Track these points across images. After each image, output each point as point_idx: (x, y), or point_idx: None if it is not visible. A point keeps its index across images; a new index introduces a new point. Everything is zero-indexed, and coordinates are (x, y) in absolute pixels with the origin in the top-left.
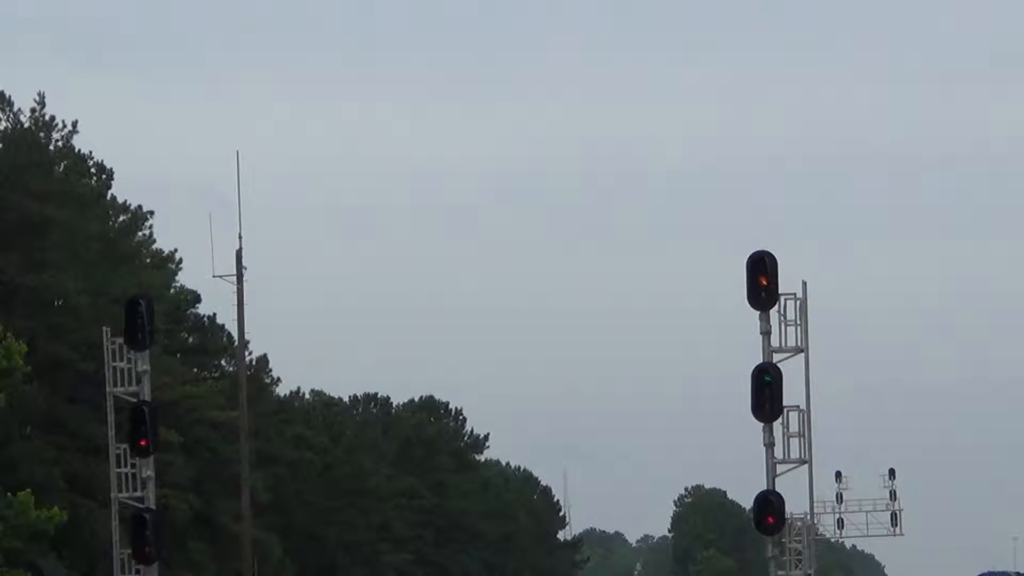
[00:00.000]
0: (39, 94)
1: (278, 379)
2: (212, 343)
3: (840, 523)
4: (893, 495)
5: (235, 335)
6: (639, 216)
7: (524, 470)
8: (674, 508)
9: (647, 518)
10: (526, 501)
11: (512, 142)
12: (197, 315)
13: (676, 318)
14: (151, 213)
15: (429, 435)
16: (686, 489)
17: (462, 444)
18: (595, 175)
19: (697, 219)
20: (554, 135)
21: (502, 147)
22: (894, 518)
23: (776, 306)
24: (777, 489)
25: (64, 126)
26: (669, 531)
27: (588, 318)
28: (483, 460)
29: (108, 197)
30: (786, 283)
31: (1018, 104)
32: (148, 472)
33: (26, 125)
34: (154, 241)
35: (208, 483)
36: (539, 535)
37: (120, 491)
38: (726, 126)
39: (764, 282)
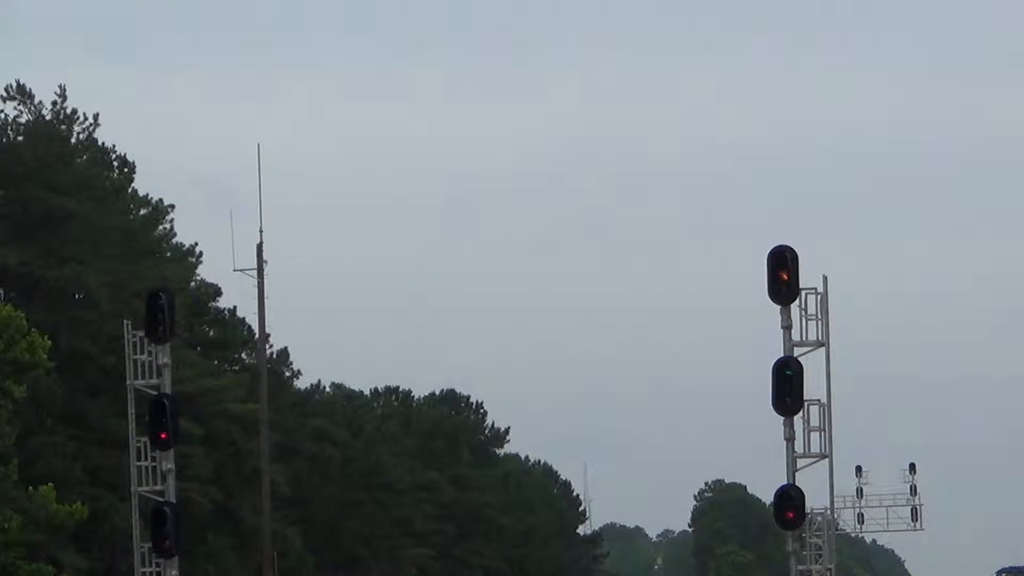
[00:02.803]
0: (60, 87)
1: (298, 372)
2: (233, 336)
3: (860, 518)
4: (913, 490)
5: (256, 328)
6: (661, 212)
7: (544, 464)
8: (694, 503)
9: (667, 513)
10: (546, 495)
11: (535, 137)
12: (218, 308)
13: (697, 313)
14: (172, 207)
15: (449, 429)
16: (706, 484)
17: (482, 438)
18: (617, 172)
19: (719, 215)
20: (578, 130)
21: (522, 141)
22: (914, 513)
23: (797, 300)
24: (797, 484)
25: (85, 119)
26: (689, 526)
27: (609, 313)
28: (503, 454)
29: (129, 191)
30: (807, 278)
31: None
32: (168, 465)
33: (48, 118)
34: (175, 235)
35: (228, 476)
36: (559, 529)
37: (140, 484)
38: (748, 121)
39: (785, 277)
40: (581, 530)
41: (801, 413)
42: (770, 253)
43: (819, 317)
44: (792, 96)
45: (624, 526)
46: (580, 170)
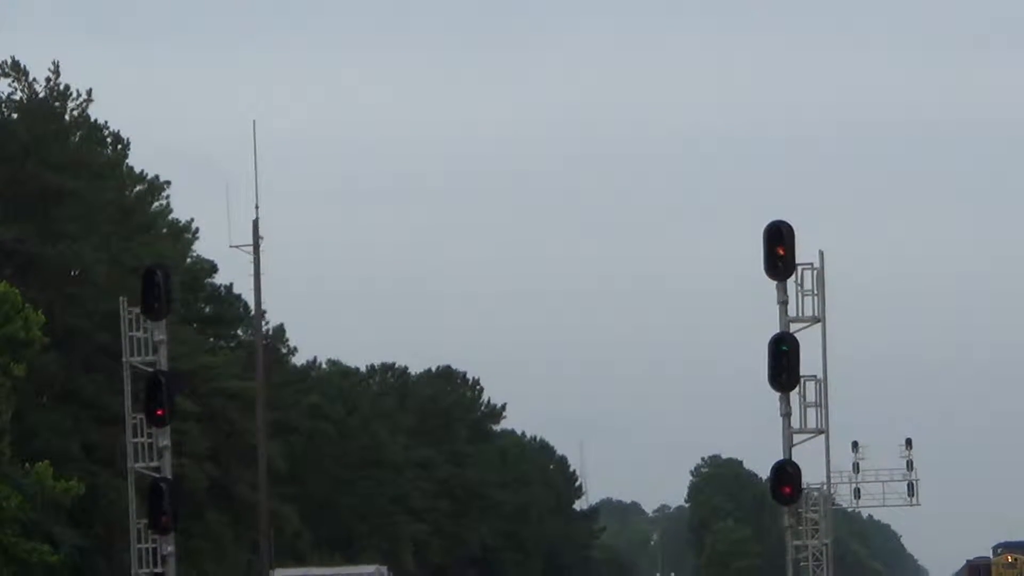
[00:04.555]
0: (54, 63)
1: (295, 349)
2: (229, 313)
3: (857, 493)
4: (910, 465)
5: (252, 305)
6: (658, 191)
7: (540, 440)
8: (691, 478)
9: (663, 488)
10: (542, 471)
11: (527, 116)
12: (214, 285)
13: (693, 289)
14: (168, 183)
15: (446, 405)
16: (703, 459)
17: (479, 414)
18: (612, 152)
19: (715, 192)
20: (571, 109)
21: (518, 121)
22: (911, 488)
23: (793, 276)
24: (794, 459)
25: (79, 96)
26: (686, 501)
27: (605, 289)
28: (499, 430)
29: (124, 167)
30: (803, 253)
31: None
32: (164, 442)
33: (41, 95)
34: (171, 211)
35: (224, 453)
36: (555, 505)
37: (136, 461)
38: (741, 96)
39: (781, 252)
40: (577, 506)
41: (797, 389)
42: (766, 228)
43: (815, 292)
44: (787, 71)
45: (620, 501)
46: (576, 150)
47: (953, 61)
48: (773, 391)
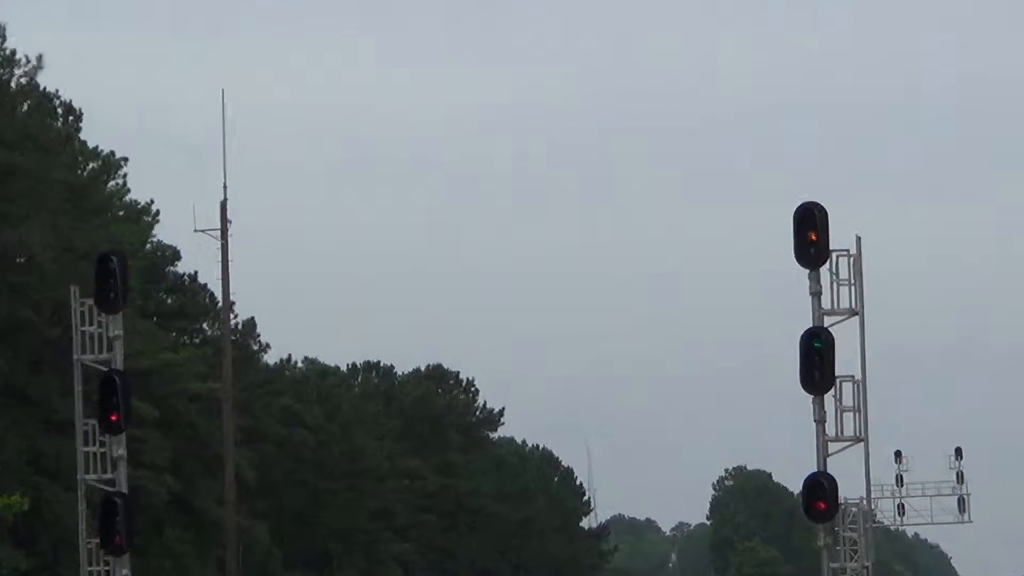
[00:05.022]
0: None
1: (267, 346)
2: (193, 305)
3: (901, 509)
4: (960, 477)
5: (219, 296)
6: (671, 170)
7: (543, 449)
8: (712, 492)
9: (682, 504)
10: (545, 484)
11: (524, 94)
12: (176, 274)
13: (714, 280)
14: (125, 160)
15: (436, 409)
16: (726, 471)
17: (473, 419)
18: (617, 126)
19: (736, 170)
20: (571, 85)
21: (515, 101)
22: (961, 503)
23: (827, 264)
24: (829, 471)
25: (27, 62)
26: (707, 518)
27: (615, 280)
28: (497, 437)
29: (77, 142)
30: (838, 238)
31: None
32: (120, 451)
33: None
34: (128, 191)
35: (187, 463)
36: (560, 522)
37: (88, 472)
38: (769, 66)
39: (813, 237)
40: (585, 523)
41: (832, 391)
42: (796, 211)
43: (852, 282)
44: (818, 36)
45: (634, 519)
46: (577, 127)
47: (993, 34)
48: (805, 394)
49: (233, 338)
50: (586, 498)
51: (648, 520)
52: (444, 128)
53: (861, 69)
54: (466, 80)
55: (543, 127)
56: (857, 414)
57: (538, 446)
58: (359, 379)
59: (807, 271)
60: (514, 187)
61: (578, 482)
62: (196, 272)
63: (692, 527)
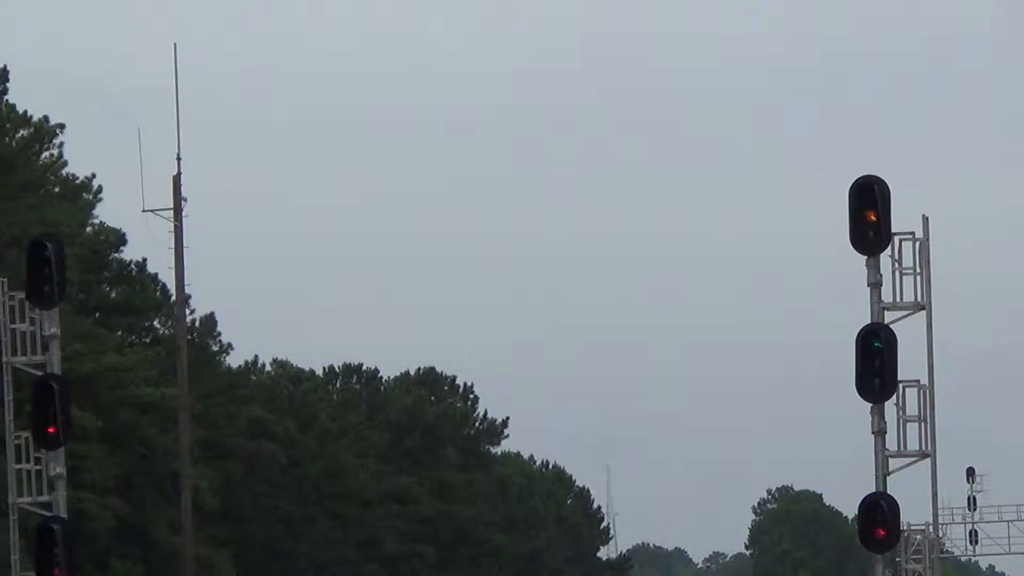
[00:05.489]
0: None
1: (229, 346)
2: (141, 299)
3: (973, 536)
4: None
5: (171, 288)
6: (704, 141)
7: (554, 466)
8: (753, 517)
9: (716, 531)
10: (557, 507)
11: (537, 49)
12: (121, 262)
13: (755, 269)
14: (61, 127)
15: (429, 420)
16: (769, 493)
17: (472, 432)
18: (640, 86)
19: (781, 141)
20: (596, 45)
21: (529, 53)
22: None
23: (888, 249)
24: (889, 491)
25: None
26: (746, 547)
27: (638, 269)
28: (500, 453)
29: (3, 105)
30: (902, 219)
31: None
32: (58, 468)
33: None
34: (65, 164)
35: (137, 483)
36: (574, 553)
37: (21, 494)
38: (821, 25)
39: (873, 218)
40: (604, 553)
41: (894, 398)
42: (853, 187)
43: (917, 271)
44: None
45: (660, 548)
46: (590, 89)
47: None
48: (862, 402)
49: (189, 337)
50: (604, 524)
51: (677, 550)
52: (438, 91)
53: (927, 32)
54: (462, 30)
55: (553, 88)
56: (923, 425)
57: (548, 463)
58: (338, 385)
59: (864, 258)
60: (514, 154)
61: (595, 505)
62: (145, 260)
63: (729, 558)
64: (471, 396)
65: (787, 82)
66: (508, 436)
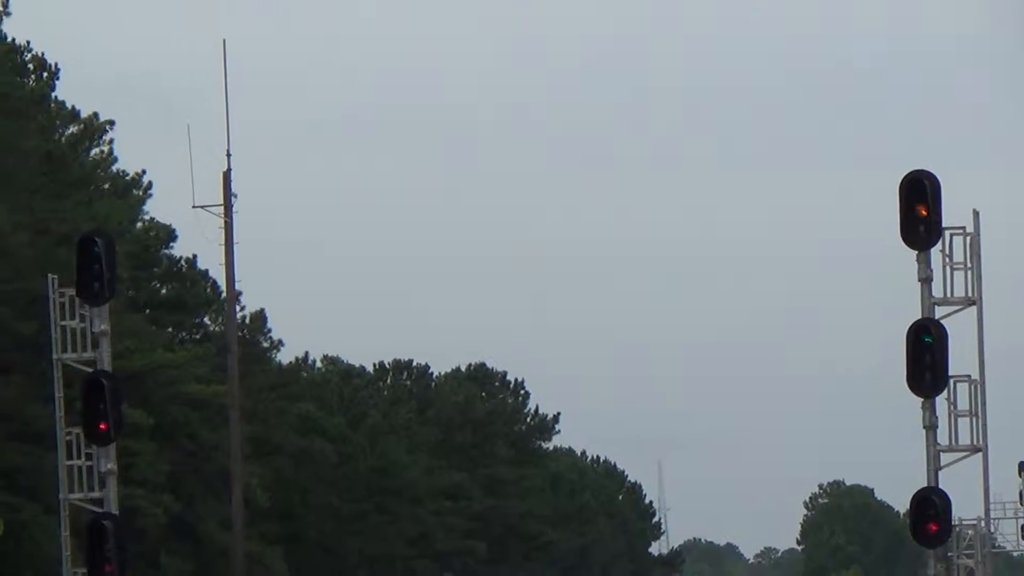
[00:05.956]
0: None
1: (279, 343)
2: (192, 295)
3: None
4: None
5: (222, 284)
6: (752, 137)
7: (605, 462)
8: (805, 512)
9: (768, 526)
10: (608, 502)
11: (577, 43)
12: (171, 258)
13: (805, 264)
14: (110, 123)
15: (480, 416)
16: (820, 488)
17: (524, 427)
18: (683, 85)
19: (830, 134)
20: (634, 42)
21: (566, 49)
22: None
23: (939, 244)
24: (941, 486)
25: None
26: (798, 542)
27: (689, 265)
28: (551, 448)
29: (52, 102)
30: (952, 214)
31: None
32: (109, 465)
33: None
34: (115, 160)
35: (188, 480)
36: (625, 547)
37: (71, 491)
38: (868, 14)
39: (923, 213)
40: (655, 548)
41: (945, 393)
42: (903, 181)
43: (968, 266)
44: None
45: (712, 543)
46: (636, 86)
47: None
48: (913, 397)
49: (239, 334)
50: (656, 519)
51: (729, 545)
52: (478, 92)
53: (981, 17)
54: (503, 21)
55: (599, 79)
56: (974, 419)
57: (599, 458)
58: (388, 381)
59: (915, 253)
60: (565, 148)
61: (647, 500)
62: (195, 256)
63: (780, 553)
64: (522, 392)
65: (833, 80)
66: (559, 432)
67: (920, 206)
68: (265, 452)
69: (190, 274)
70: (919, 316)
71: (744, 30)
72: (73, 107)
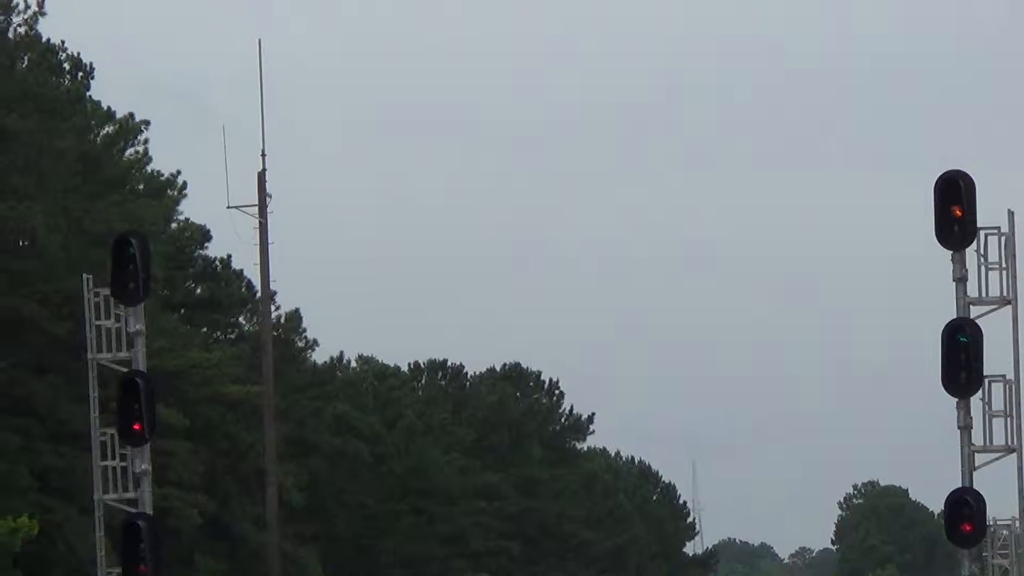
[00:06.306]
0: None
1: (314, 342)
2: (226, 295)
3: None
4: None
5: (256, 284)
6: (784, 134)
7: (640, 462)
8: (839, 512)
9: (803, 526)
10: (643, 503)
11: (615, 42)
12: (206, 258)
13: (840, 265)
14: (146, 123)
15: (514, 416)
16: (855, 488)
17: (558, 428)
18: (708, 85)
19: (863, 134)
20: (662, 40)
21: (606, 49)
22: None
23: (974, 244)
24: (975, 486)
25: (27, 7)
26: (832, 542)
27: (720, 265)
28: (585, 449)
29: (87, 102)
30: (987, 214)
31: None
32: (143, 465)
33: None
34: (150, 160)
35: (222, 480)
36: (660, 548)
37: (106, 491)
38: (898, 8)
39: (958, 213)
40: (690, 548)
41: (980, 393)
42: (938, 181)
43: (1003, 266)
44: None
45: (746, 543)
46: (677, 82)
47: None
48: (948, 397)
49: (274, 333)
50: (690, 519)
51: (763, 545)
52: (515, 91)
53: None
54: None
55: (635, 76)
56: (1009, 420)
57: (634, 458)
58: (423, 381)
59: (950, 253)
60: (598, 148)
61: (681, 500)
62: (229, 256)
63: (815, 553)
64: (556, 392)
65: (866, 79)
66: (594, 432)
67: (955, 206)
68: (300, 452)
69: (225, 274)
70: (954, 316)
71: (792, 30)
72: (108, 108)
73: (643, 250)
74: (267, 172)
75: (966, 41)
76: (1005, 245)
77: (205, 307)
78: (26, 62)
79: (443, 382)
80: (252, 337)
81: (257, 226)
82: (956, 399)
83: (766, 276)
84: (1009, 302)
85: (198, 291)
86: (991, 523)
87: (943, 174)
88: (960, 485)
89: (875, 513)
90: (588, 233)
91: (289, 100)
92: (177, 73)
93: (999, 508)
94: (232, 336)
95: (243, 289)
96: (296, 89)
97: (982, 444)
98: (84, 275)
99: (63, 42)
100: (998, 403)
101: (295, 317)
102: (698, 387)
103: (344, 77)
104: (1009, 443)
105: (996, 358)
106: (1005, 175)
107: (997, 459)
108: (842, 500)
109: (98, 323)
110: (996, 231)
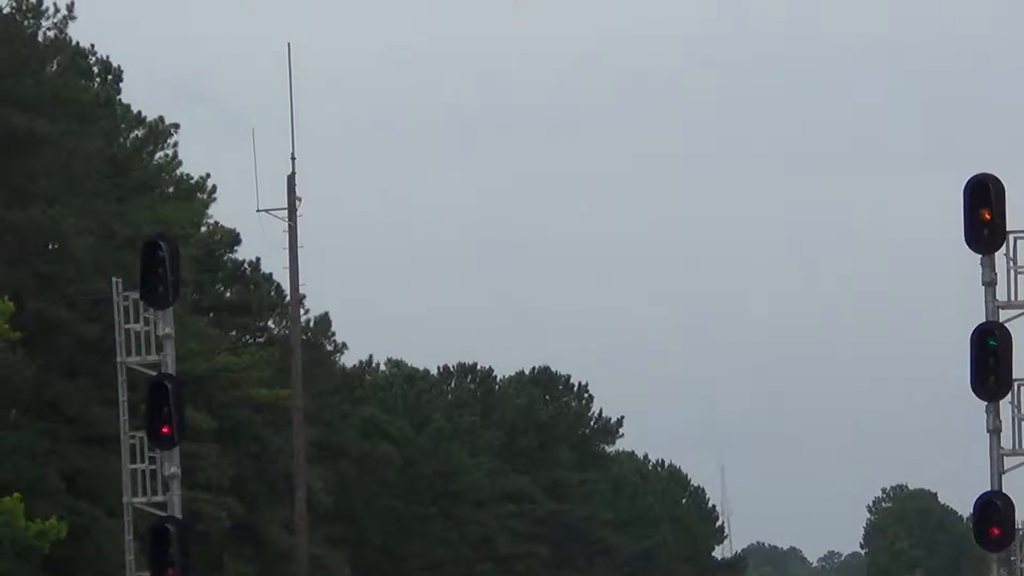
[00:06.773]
0: None
1: (343, 346)
2: (256, 298)
3: None
4: None
5: (286, 288)
6: (814, 135)
7: (669, 465)
8: (868, 516)
9: (832, 530)
10: (672, 506)
11: (645, 37)
12: (235, 262)
13: (869, 267)
14: (175, 127)
15: (544, 419)
16: (883, 491)
17: (587, 431)
18: (739, 85)
19: (891, 137)
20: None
21: (637, 47)
22: None
23: (1004, 248)
24: (1004, 490)
25: (56, 11)
26: (861, 546)
27: (754, 265)
28: (615, 452)
29: (117, 106)
30: (1017, 217)
31: None
32: (172, 468)
33: (5, 10)
34: (179, 164)
35: (251, 483)
36: (689, 551)
37: (135, 494)
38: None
39: (987, 217)
40: (718, 552)
41: (1010, 396)
42: (967, 185)
43: None
44: None
45: (775, 547)
46: (700, 82)
47: None
48: (977, 400)
49: (304, 337)
50: (719, 523)
51: (792, 549)
52: (544, 91)
53: None
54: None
55: (667, 72)
56: None
57: (663, 462)
58: (452, 384)
59: (979, 256)
60: (629, 145)
61: (710, 504)
62: (259, 259)
63: (844, 556)
64: (585, 395)
65: (898, 80)
66: (623, 435)
67: (984, 210)
68: (329, 456)
69: (254, 277)
70: (983, 320)
71: (842, 29)
72: (139, 112)
73: (676, 251)
74: (296, 175)
75: (997, 45)
76: None
77: (234, 310)
78: (55, 66)
79: (472, 385)
80: (281, 340)
81: (287, 229)
82: (985, 403)
83: (795, 280)
84: None
85: (227, 294)
86: (1020, 527)
87: (972, 177)
88: (989, 489)
89: (904, 517)
90: (619, 234)
91: (319, 103)
92: (205, 77)
93: None
94: (261, 340)
95: (272, 292)
96: (326, 91)
97: (1011, 448)
98: (113, 278)
99: (92, 46)
100: None
101: (324, 320)
102: (728, 390)
103: (376, 80)
104: None
105: None
106: None
107: None
108: (871, 504)
109: (127, 326)
110: None
